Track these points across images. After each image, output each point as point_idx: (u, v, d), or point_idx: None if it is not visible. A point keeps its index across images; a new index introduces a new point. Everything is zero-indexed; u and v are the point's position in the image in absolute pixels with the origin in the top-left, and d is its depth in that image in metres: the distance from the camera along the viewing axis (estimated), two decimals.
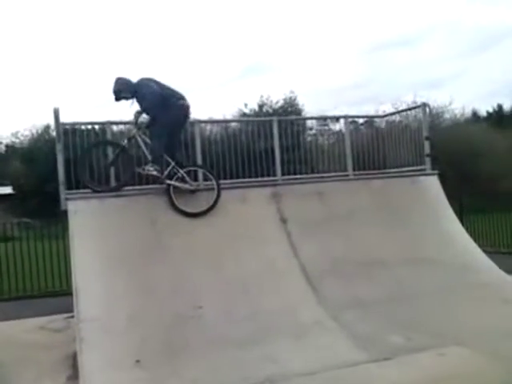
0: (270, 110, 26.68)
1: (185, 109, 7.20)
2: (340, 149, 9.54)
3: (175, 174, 7.06)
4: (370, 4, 74.00)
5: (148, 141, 7.14)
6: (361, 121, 15.06)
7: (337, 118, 10.41)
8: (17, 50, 71.89)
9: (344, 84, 74.37)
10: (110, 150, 7.37)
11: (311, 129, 13.67)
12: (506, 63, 62.39)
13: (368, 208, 7.89)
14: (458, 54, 73.03)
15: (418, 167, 8.94)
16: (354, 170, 8.97)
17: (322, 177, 8.81)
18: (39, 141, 31.91)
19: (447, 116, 29.49)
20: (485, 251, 8.29)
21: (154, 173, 7.00)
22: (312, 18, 78.18)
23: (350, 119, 9.83)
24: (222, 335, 5.76)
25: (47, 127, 31.47)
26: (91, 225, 6.59)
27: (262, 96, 28.13)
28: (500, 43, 72.90)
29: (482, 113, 39.42)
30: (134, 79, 7.15)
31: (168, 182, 7.01)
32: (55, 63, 75.74)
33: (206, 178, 7.48)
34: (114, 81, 7.11)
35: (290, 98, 28.68)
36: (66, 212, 6.72)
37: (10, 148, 43.74)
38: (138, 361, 5.29)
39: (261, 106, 27.84)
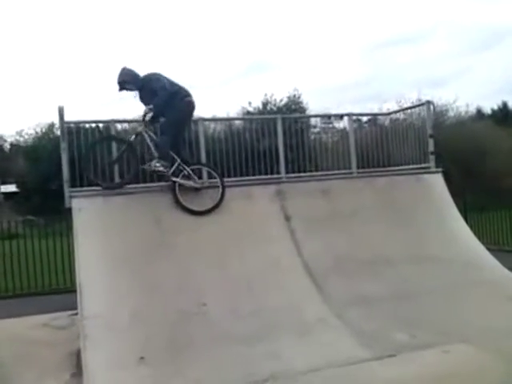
0: (274, 108, 26.62)
1: (191, 106, 7.19)
2: (344, 147, 9.51)
3: (181, 171, 7.05)
4: (373, 2, 73.81)
5: (154, 137, 7.12)
6: (365, 119, 15.06)
7: (341, 116, 10.37)
8: (22, 49, 72.14)
9: (347, 82, 74.28)
10: (114, 147, 7.37)
11: (315, 127, 13.65)
12: (510, 60, 62.13)
13: (372, 206, 7.87)
14: (461, 51, 72.93)
15: (423, 165, 8.91)
16: (357, 167, 8.95)
17: (326, 175, 8.80)
18: (43, 139, 31.91)
19: (451, 114, 29.38)
20: (489, 249, 8.26)
21: (161, 169, 6.97)
22: (315, 17, 78.07)
23: (354, 117, 9.81)
24: (226, 332, 5.76)
25: (51, 126, 31.48)
26: (95, 222, 6.60)
27: (265, 94, 28.09)
28: (504, 41, 72.74)
29: (487, 110, 39.25)
30: (141, 73, 7.13)
31: (174, 179, 7.00)
32: (60, 61, 75.87)
33: (210, 177, 7.47)
34: (119, 70, 7.05)
35: (294, 95, 28.62)
36: (70, 210, 6.74)
37: (14, 146, 43.87)
38: (142, 358, 5.30)
39: (265, 104, 27.78)
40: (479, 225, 13.16)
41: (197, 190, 7.17)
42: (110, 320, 5.74)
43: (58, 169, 7.23)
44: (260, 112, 26.16)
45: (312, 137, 12.73)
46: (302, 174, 8.80)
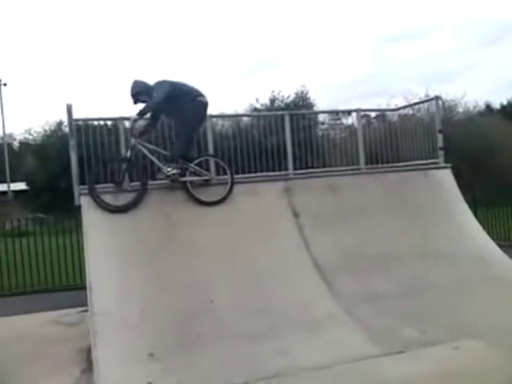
0: (282, 105, 26.59)
1: (203, 105, 7.21)
2: (352, 143, 9.48)
3: (186, 169, 7.08)
4: None
5: (150, 146, 7.15)
6: (373, 114, 14.97)
7: (349, 112, 10.34)
8: (31, 47, 72.39)
9: (355, 78, 74.00)
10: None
11: (323, 123, 13.63)
12: None
13: (381, 202, 7.85)
14: (469, 46, 72.37)
15: (431, 160, 8.87)
16: (366, 163, 8.91)
17: (334, 171, 8.77)
18: (52, 137, 32.08)
19: (460, 109, 29.19)
20: (498, 245, 8.21)
21: (174, 171, 6.98)
22: (323, 13, 77.77)
23: (362, 113, 9.77)
24: (234, 329, 5.78)
25: (60, 123, 31.64)
26: (105, 219, 6.63)
27: (273, 91, 28.07)
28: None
29: (496, 105, 38.88)
30: (151, 82, 7.12)
31: (183, 179, 7.04)
32: (68, 59, 76.06)
33: (218, 167, 7.53)
34: (131, 84, 7.07)
35: (302, 92, 28.60)
36: (79, 207, 6.77)
37: (23, 144, 44.15)
38: (151, 354, 5.33)
39: (272, 101, 27.77)
40: (489, 220, 13.07)
41: (206, 181, 7.26)
42: (119, 316, 5.77)
43: (67, 166, 7.25)
44: (267, 109, 26.15)
45: (320, 133, 12.71)
46: (309, 171, 8.78)
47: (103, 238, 6.47)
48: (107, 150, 7.59)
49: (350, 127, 10.75)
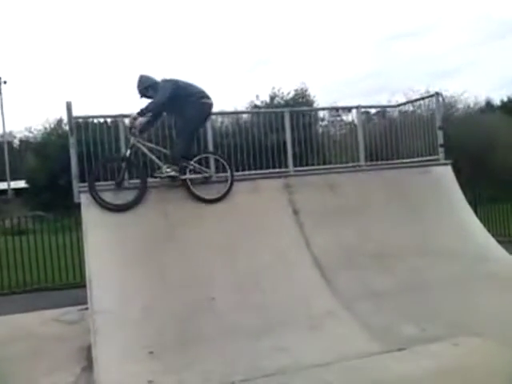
0: (282, 102, 26.57)
1: (206, 106, 7.18)
2: (352, 139, 9.47)
3: (186, 167, 7.07)
4: None
5: (149, 145, 7.14)
6: (373, 111, 14.94)
7: (349, 109, 10.31)
8: (31, 44, 72.28)
9: (355, 75, 73.94)
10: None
11: (323, 120, 13.61)
12: None
13: (381, 198, 7.84)
14: (469, 43, 72.38)
15: (432, 157, 8.86)
16: (366, 160, 8.90)
17: (335, 168, 8.76)
18: (52, 135, 32.08)
19: (460, 106, 29.16)
20: (499, 241, 8.23)
21: (173, 173, 6.96)
22: (324, 10, 77.60)
23: (363, 110, 9.74)
24: (235, 326, 5.78)
25: (60, 121, 31.65)
26: (104, 217, 6.62)
27: (273, 88, 28.04)
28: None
29: (496, 102, 38.83)
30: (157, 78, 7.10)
31: (183, 177, 7.03)
32: (68, 57, 75.96)
33: (217, 164, 7.52)
34: (138, 78, 7.04)
35: (301, 89, 28.57)
36: (79, 205, 6.76)
37: (23, 142, 44.18)
38: (151, 352, 5.33)
39: (272, 98, 27.74)
40: (489, 217, 13.09)
41: (207, 178, 7.24)
42: (120, 314, 5.77)
43: (67, 164, 7.23)
44: (267, 106, 26.11)
45: (320, 130, 12.68)
46: (310, 168, 8.77)
47: (103, 235, 6.46)
48: (107, 148, 7.57)
49: (351, 124, 10.73)
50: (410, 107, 10.63)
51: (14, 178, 39.29)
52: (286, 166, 8.37)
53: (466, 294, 6.58)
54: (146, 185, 6.91)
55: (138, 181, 6.97)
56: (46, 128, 34.47)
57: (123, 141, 7.34)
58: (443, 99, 10.51)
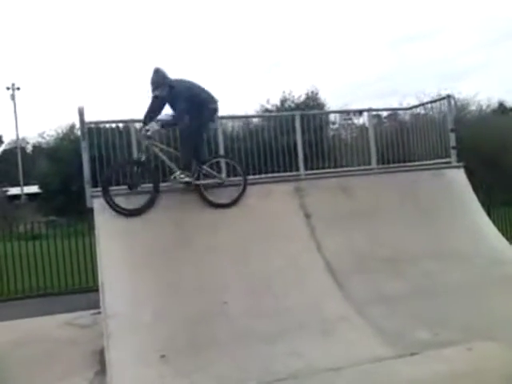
0: (293, 105, 26.53)
1: (215, 112, 7.20)
2: (363, 142, 9.44)
3: (200, 171, 7.06)
4: None
5: (163, 147, 7.10)
6: (384, 114, 14.88)
7: (360, 112, 10.29)
8: (43, 51, 72.96)
9: (367, 78, 73.70)
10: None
11: (334, 123, 13.56)
12: None
13: (393, 202, 7.79)
14: (480, 44, 71.82)
15: (444, 160, 8.80)
16: (378, 163, 8.87)
17: (346, 171, 8.74)
18: (65, 140, 32.35)
19: (473, 108, 28.92)
20: None
21: (187, 179, 6.92)
22: (335, 13, 77.54)
23: (374, 112, 9.72)
24: (247, 331, 5.76)
25: (72, 126, 31.89)
26: (117, 222, 6.65)
27: (283, 91, 28.03)
28: None
29: (509, 104, 38.50)
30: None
31: (197, 182, 7.00)
32: (80, 63, 76.56)
33: (229, 168, 7.51)
34: (153, 71, 6.90)
35: (312, 92, 28.52)
36: (91, 209, 6.80)
37: (36, 148, 44.57)
38: (163, 356, 5.34)
39: (283, 102, 27.71)
40: (503, 220, 12.96)
41: (220, 183, 7.25)
42: (132, 318, 5.78)
43: (80, 169, 7.28)
44: (278, 109, 26.10)
45: (331, 133, 12.66)
46: (321, 171, 8.75)
47: (115, 240, 6.48)
48: (119, 153, 7.61)
49: (362, 127, 10.70)
50: (421, 110, 10.58)
51: (27, 183, 39.66)
52: (297, 170, 8.36)
53: (479, 297, 6.50)
54: (159, 189, 6.92)
55: (149, 185, 6.98)
56: (58, 133, 34.79)
57: (135, 145, 7.37)
58: (455, 101, 10.46)
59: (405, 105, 17.02)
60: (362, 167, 8.96)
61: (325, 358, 5.33)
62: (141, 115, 7.07)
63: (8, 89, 44.05)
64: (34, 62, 75.09)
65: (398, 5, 75.22)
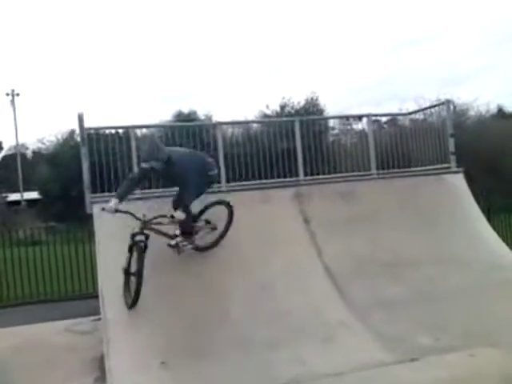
0: (292, 111, 26.56)
1: (211, 180, 6.57)
2: (363, 148, 9.46)
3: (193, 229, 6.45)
4: (391, 2, 73.31)
5: (157, 221, 6.05)
6: (384, 119, 14.93)
7: (359, 117, 10.32)
8: (43, 57, 73.12)
9: (366, 83, 73.69)
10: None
11: (333, 128, 13.61)
12: None
13: (393, 207, 7.79)
14: (480, 49, 71.92)
15: (443, 165, 8.81)
16: (377, 169, 8.88)
17: (346, 177, 8.75)
18: (64, 146, 32.36)
19: (472, 113, 28.96)
20: None
21: (185, 243, 6.35)
22: (334, 18, 77.81)
23: (373, 118, 9.74)
24: (248, 336, 5.75)
25: (72, 132, 31.88)
26: (116, 228, 6.63)
27: (283, 97, 28.05)
28: None
29: (508, 109, 38.59)
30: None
31: (195, 243, 6.47)
32: (80, 69, 76.78)
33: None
34: (146, 141, 6.41)
35: (312, 98, 28.54)
36: (91, 215, 6.80)
37: (36, 154, 44.58)
38: (163, 362, 5.32)
39: (282, 107, 27.74)
40: (503, 225, 12.96)
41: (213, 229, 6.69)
42: (132, 325, 5.78)
43: (80, 175, 7.30)
44: (278, 115, 26.13)
45: (331, 139, 12.69)
46: (320, 177, 8.77)
47: (115, 246, 6.45)
48: (119, 158, 7.62)
49: (361, 132, 10.72)
50: (420, 115, 10.61)
51: (26, 189, 39.62)
52: (297, 175, 8.37)
53: (480, 303, 6.50)
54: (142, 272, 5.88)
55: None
56: (58, 139, 34.81)
57: (134, 151, 7.38)
58: (454, 107, 10.49)
59: (404, 110, 17.06)
60: (362, 172, 8.97)
61: (325, 363, 5.33)
62: (141, 121, 7.08)
63: (8, 95, 44.09)
64: (34, 67, 75.22)
65: (396, 9, 75.45)
